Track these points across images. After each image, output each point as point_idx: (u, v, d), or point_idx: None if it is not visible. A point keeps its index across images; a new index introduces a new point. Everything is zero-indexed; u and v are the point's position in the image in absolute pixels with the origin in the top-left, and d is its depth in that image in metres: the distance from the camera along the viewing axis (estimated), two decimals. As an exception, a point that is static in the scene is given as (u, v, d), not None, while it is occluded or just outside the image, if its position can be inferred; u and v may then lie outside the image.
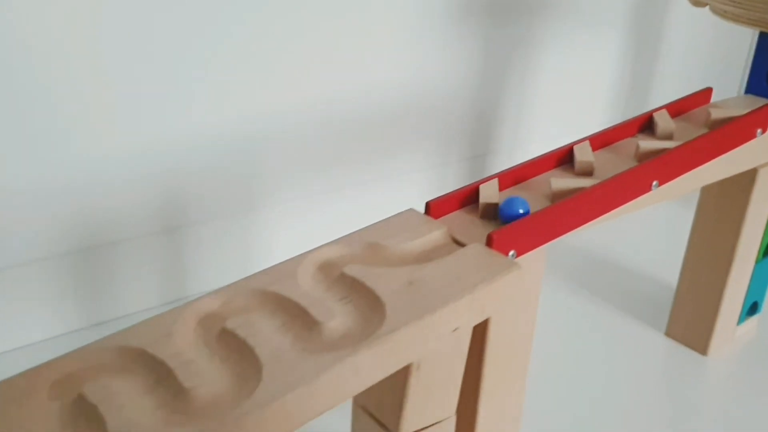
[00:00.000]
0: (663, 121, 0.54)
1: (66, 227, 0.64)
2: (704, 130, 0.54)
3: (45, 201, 0.62)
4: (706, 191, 0.61)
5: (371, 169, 0.80)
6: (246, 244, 0.74)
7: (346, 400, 0.35)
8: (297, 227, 0.76)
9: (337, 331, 0.36)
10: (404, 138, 0.81)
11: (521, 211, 0.43)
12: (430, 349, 0.38)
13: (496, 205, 0.45)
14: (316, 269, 0.40)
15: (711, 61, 1.04)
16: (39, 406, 0.31)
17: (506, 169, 0.48)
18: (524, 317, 0.45)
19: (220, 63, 0.66)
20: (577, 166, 0.49)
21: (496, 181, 0.47)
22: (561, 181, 0.46)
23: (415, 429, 0.41)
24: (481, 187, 0.46)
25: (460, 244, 0.43)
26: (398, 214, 0.45)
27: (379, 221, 0.44)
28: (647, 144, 0.50)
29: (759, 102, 0.57)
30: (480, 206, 0.45)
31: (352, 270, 0.39)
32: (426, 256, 0.42)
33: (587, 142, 0.51)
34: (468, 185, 0.46)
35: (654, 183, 0.48)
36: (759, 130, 0.54)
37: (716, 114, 0.54)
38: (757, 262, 0.64)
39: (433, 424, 0.42)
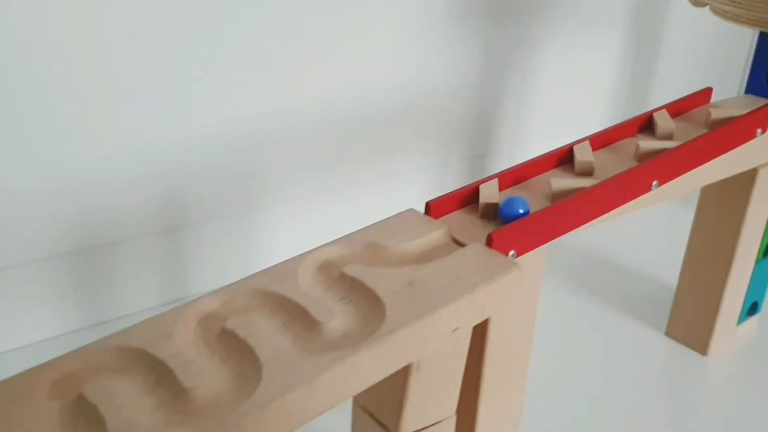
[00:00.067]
0: (663, 121, 0.54)
1: (66, 227, 0.64)
2: (704, 130, 0.54)
3: (45, 201, 0.62)
4: (706, 191, 0.61)
5: (371, 169, 0.80)
6: (246, 244, 0.74)
7: (347, 400, 0.35)
8: (297, 227, 0.76)
9: (337, 331, 0.36)
10: (404, 138, 0.81)
11: (521, 211, 0.43)
12: (430, 349, 0.38)
13: (496, 205, 0.45)
14: (316, 269, 0.40)
15: (711, 61, 1.04)
16: (39, 406, 0.31)
17: (506, 169, 0.48)
18: (524, 317, 0.45)
19: (221, 63, 0.66)
20: (577, 166, 0.49)
21: (496, 181, 0.47)
22: (561, 181, 0.46)
23: (415, 429, 0.41)
24: (481, 187, 0.46)
25: (460, 244, 0.43)
26: (398, 214, 0.45)
27: (379, 221, 0.44)
28: (647, 144, 0.50)
29: (759, 102, 0.57)
30: (480, 206, 0.45)
31: (352, 270, 0.39)
32: (426, 256, 0.42)
33: (587, 142, 0.51)
34: (468, 185, 0.46)
35: (654, 183, 0.48)
36: (759, 130, 0.54)
37: (716, 114, 0.54)
38: (757, 262, 0.64)
39: (433, 424, 0.42)
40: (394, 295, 0.37)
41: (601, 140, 0.52)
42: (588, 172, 0.49)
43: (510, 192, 0.47)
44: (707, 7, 0.59)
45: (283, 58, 0.69)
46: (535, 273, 0.44)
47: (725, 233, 0.61)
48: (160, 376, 0.33)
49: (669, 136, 0.53)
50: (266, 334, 0.35)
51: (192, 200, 0.70)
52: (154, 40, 0.62)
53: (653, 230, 0.87)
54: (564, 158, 0.50)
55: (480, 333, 0.43)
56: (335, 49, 0.72)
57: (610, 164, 0.50)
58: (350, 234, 0.43)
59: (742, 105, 0.57)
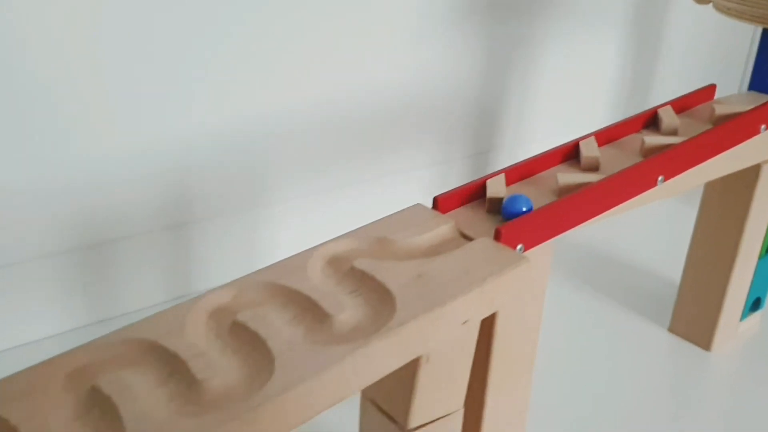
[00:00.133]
0: (668, 117, 0.54)
1: (72, 224, 0.64)
2: (709, 126, 0.54)
3: (51, 199, 0.62)
4: (710, 187, 0.62)
5: (374, 167, 0.80)
6: (250, 240, 0.74)
7: (358, 391, 0.35)
8: (301, 224, 0.76)
9: (348, 323, 0.36)
10: (407, 136, 0.81)
11: (524, 208, 0.43)
12: (440, 341, 0.38)
13: (502, 200, 0.45)
14: (326, 263, 0.40)
15: (711, 59, 1.04)
16: (54, 397, 0.31)
17: (513, 165, 0.48)
18: (531, 311, 0.45)
19: (224, 61, 0.66)
20: (583, 161, 0.49)
21: (503, 176, 0.47)
22: (568, 176, 0.47)
23: (423, 422, 0.42)
24: (488, 182, 0.46)
25: (468, 239, 0.43)
26: (406, 208, 0.45)
27: (387, 216, 0.44)
28: (652, 140, 0.50)
29: (762, 98, 0.58)
30: (487, 201, 0.45)
31: (362, 264, 0.39)
32: (434, 250, 0.42)
33: (593, 138, 0.51)
34: (475, 180, 0.46)
35: (659, 178, 0.48)
36: (763, 126, 0.54)
37: (720, 110, 0.54)
38: (760, 258, 0.64)
39: (441, 417, 0.42)
40: (404, 288, 0.38)
41: (606, 136, 0.52)
42: (594, 168, 0.49)
43: (517, 187, 0.48)
44: (710, 5, 0.59)
45: (286, 56, 0.69)
46: (543, 267, 0.45)
47: (728, 229, 0.61)
48: (173, 368, 0.33)
49: (674, 132, 0.53)
50: (278, 327, 0.35)
51: (197, 197, 0.70)
52: (157, 39, 0.62)
53: (656, 227, 0.87)
54: (570, 154, 0.51)
55: (487, 326, 0.43)
56: (338, 47, 0.72)
57: (615, 160, 0.50)
58: (359, 228, 0.43)
59: (746, 101, 0.57)
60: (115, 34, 0.60)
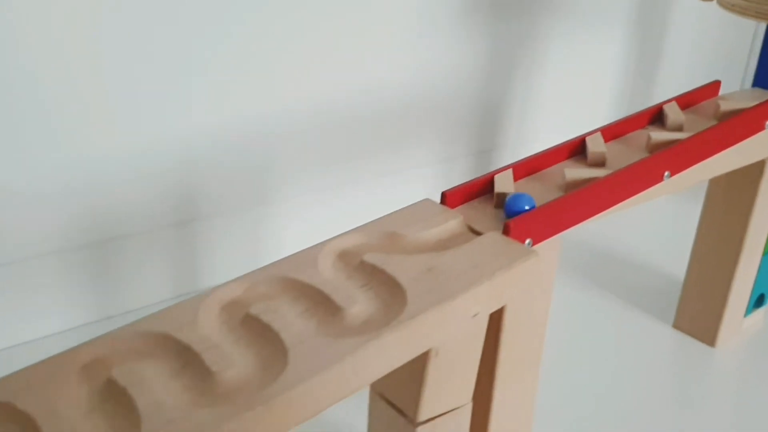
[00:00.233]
0: (673, 113, 0.54)
1: (79, 222, 0.64)
2: (714, 122, 0.54)
3: (59, 197, 0.62)
4: (714, 183, 0.62)
5: (378, 164, 0.80)
6: (255, 238, 0.75)
7: (370, 383, 0.35)
8: (305, 222, 0.76)
9: (359, 316, 0.36)
10: (410, 134, 0.81)
11: (527, 207, 0.43)
12: (450, 334, 0.39)
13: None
14: (336, 257, 0.41)
15: (714, 56, 1.04)
16: (69, 389, 0.31)
17: (520, 160, 0.48)
18: (539, 305, 0.45)
19: (227, 60, 0.66)
20: (589, 156, 0.49)
21: (510, 171, 0.47)
22: (575, 171, 0.47)
23: (432, 415, 0.42)
24: (496, 177, 0.47)
25: (476, 233, 0.43)
26: (414, 203, 0.45)
27: (396, 211, 0.45)
28: (658, 135, 0.51)
29: (767, 95, 0.58)
30: (495, 196, 0.46)
31: (372, 258, 0.40)
32: (443, 245, 0.42)
33: (599, 134, 0.51)
34: (483, 175, 0.47)
35: (666, 173, 0.49)
36: (767, 123, 0.55)
37: (725, 106, 0.55)
38: (765, 254, 0.64)
39: (450, 411, 0.42)
40: (415, 282, 0.38)
41: (612, 132, 0.53)
42: (600, 163, 0.49)
43: (524, 182, 0.48)
44: (713, 1, 0.59)
45: (288, 55, 0.69)
46: (550, 261, 0.45)
47: (733, 225, 0.62)
48: (187, 360, 0.33)
49: (679, 128, 0.53)
50: (290, 319, 0.35)
51: (201, 195, 0.70)
52: (158, 39, 0.62)
53: (660, 224, 0.88)
54: (576, 149, 0.51)
55: (496, 320, 0.43)
56: (340, 45, 0.72)
57: (622, 155, 0.50)
58: (368, 223, 0.43)
59: (751, 98, 0.57)
60: (115, 35, 0.60)
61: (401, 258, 0.40)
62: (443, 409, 0.42)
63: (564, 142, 0.50)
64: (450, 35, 0.79)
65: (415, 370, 0.40)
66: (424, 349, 0.38)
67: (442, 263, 0.40)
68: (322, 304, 0.37)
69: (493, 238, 0.42)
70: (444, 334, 0.38)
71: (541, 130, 0.92)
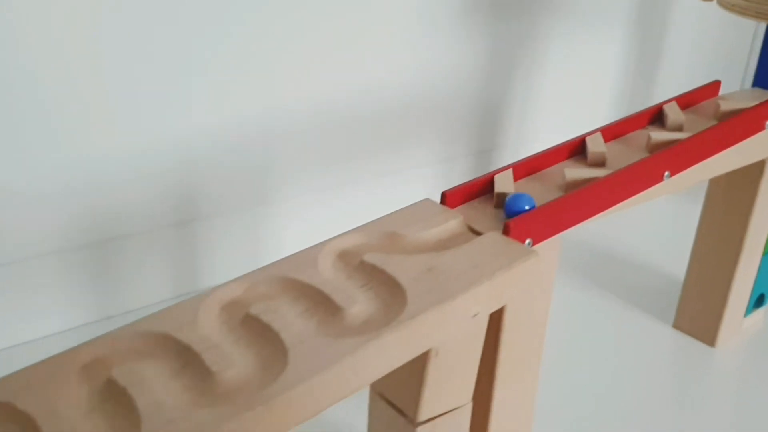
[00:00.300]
0: (673, 113, 0.54)
1: (79, 222, 0.64)
2: (714, 122, 0.54)
3: (59, 197, 0.62)
4: (714, 183, 0.62)
5: (378, 164, 0.80)
6: (255, 238, 0.75)
7: (370, 383, 0.35)
8: (305, 222, 0.76)
9: (360, 316, 0.36)
10: (410, 134, 0.81)
11: (527, 207, 0.43)
12: (450, 334, 0.39)
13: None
14: (336, 257, 0.41)
15: (714, 56, 1.04)
16: (69, 389, 0.31)
17: (520, 160, 0.48)
18: (539, 305, 0.45)
19: (227, 60, 0.66)
20: (589, 156, 0.49)
21: (510, 171, 0.47)
22: (575, 171, 0.47)
23: (432, 415, 0.42)
24: (496, 177, 0.47)
25: (476, 233, 0.43)
26: (414, 204, 0.45)
27: (396, 211, 0.45)
28: (658, 135, 0.51)
29: (767, 95, 0.58)
30: (495, 196, 0.46)
31: (372, 258, 0.40)
32: (443, 245, 0.42)
33: (599, 134, 0.51)
34: (483, 176, 0.47)
35: (666, 173, 0.49)
36: (767, 123, 0.55)
37: (725, 106, 0.55)
38: (765, 254, 0.64)
39: (450, 411, 0.42)
40: (414, 282, 0.38)
41: (612, 132, 0.53)
42: (600, 163, 0.49)
43: (524, 182, 0.48)
44: (713, 1, 0.59)
45: (289, 54, 0.69)
46: (550, 261, 0.45)
47: (733, 225, 0.62)
48: (187, 360, 0.33)
49: (679, 128, 0.53)
50: (290, 319, 0.35)
51: (203, 194, 0.70)
52: (159, 39, 0.62)
53: (659, 224, 0.88)
54: (576, 149, 0.51)
55: (496, 320, 0.43)
56: (340, 45, 0.72)
57: (622, 155, 0.50)
58: (368, 223, 0.43)
59: (751, 98, 0.57)
60: (115, 35, 0.60)
61: (401, 258, 0.40)
62: (443, 409, 0.42)
63: (564, 142, 0.50)
64: (450, 35, 0.79)
65: (415, 370, 0.40)
66: (425, 349, 0.38)
67: (442, 263, 0.40)
68: (322, 304, 0.37)
69: (493, 238, 0.42)
70: (444, 334, 0.38)
71: (541, 130, 0.92)
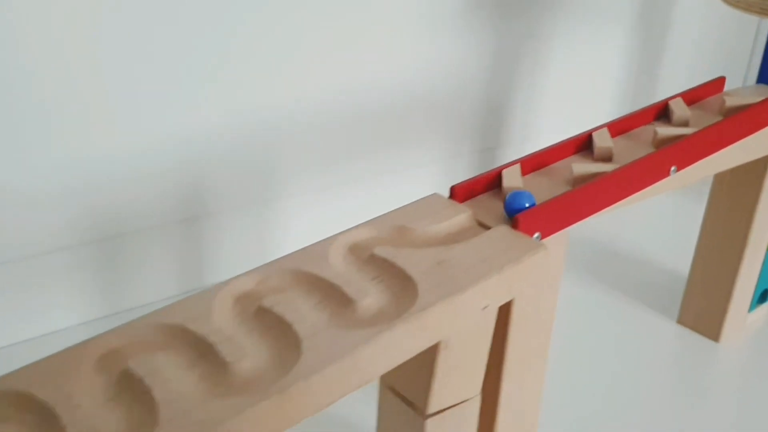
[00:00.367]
0: (679, 108, 0.55)
1: (88, 219, 0.65)
2: (719, 118, 0.55)
3: (70, 194, 0.63)
4: (719, 179, 0.62)
5: (383, 162, 0.80)
6: (261, 234, 0.75)
7: (382, 374, 0.36)
8: (312, 218, 0.77)
9: (371, 309, 0.37)
10: (415, 131, 0.82)
11: (527, 204, 0.44)
12: (460, 327, 0.39)
13: (518, 190, 0.46)
14: (347, 251, 0.41)
15: (717, 53, 1.05)
16: (86, 379, 0.32)
17: (528, 155, 0.49)
18: (547, 298, 0.46)
19: (234, 57, 0.66)
20: (596, 151, 0.50)
21: (518, 166, 0.48)
22: (582, 166, 0.47)
23: (442, 407, 0.42)
24: (504, 172, 0.47)
25: (485, 227, 0.43)
26: (423, 198, 0.46)
27: (405, 205, 0.45)
28: (665, 131, 0.51)
29: (772, 91, 0.58)
30: (503, 190, 0.46)
31: (383, 251, 0.40)
32: (452, 239, 0.42)
33: (606, 129, 0.52)
34: (490, 170, 0.47)
35: (672, 168, 0.49)
36: (772, 118, 0.55)
37: (731, 102, 0.55)
38: (769, 249, 0.65)
39: (459, 403, 0.43)
40: (425, 275, 0.38)
41: (618, 127, 0.53)
42: (607, 158, 0.50)
43: (532, 177, 0.48)
44: (719, -2, 0.60)
45: (295, 52, 0.70)
46: (558, 255, 0.45)
47: (737, 221, 0.62)
48: (202, 351, 0.34)
49: (685, 123, 0.54)
50: (303, 311, 0.36)
51: (208, 192, 0.70)
52: (164, 38, 0.62)
53: (663, 221, 0.88)
54: (583, 145, 0.51)
55: (504, 314, 0.44)
56: (347, 42, 0.72)
57: (628, 150, 0.51)
58: (378, 217, 0.43)
59: (756, 94, 0.58)
60: (117, 35, 0.60)
61: (411, 251, 0.40)
62: (452, 402, 0.43)
63: (571, 138, 0.51)
64: (453, 34, 0.79)
65: (425, 362, 0.40)
66: (435, 341, 0.38)
67: (452, 257, 0.40)
68: (334, 297, 0.37)
69: (501, 232, 0.42)
70: (454, 327, 0.38)
71: (544, 128, 0.93)
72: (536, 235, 0.43)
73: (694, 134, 0.50)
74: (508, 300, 0.41)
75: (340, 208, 0.78)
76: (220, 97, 0.67)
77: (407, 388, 0.43)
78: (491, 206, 0.46)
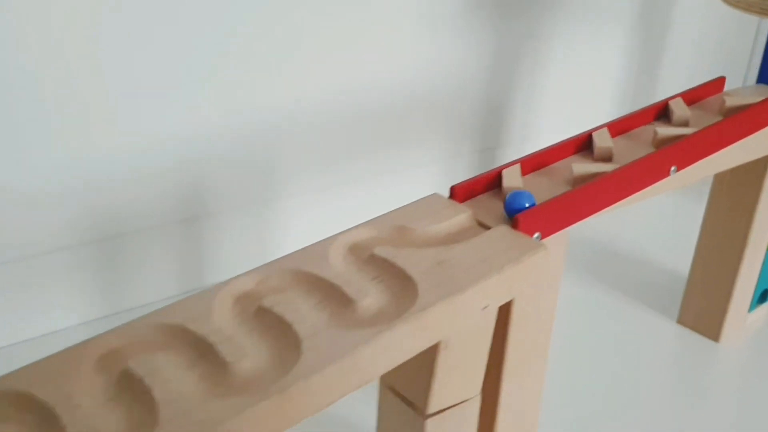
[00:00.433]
0: (679, 108, 0.55)
1: (88, 219, 0.65)
2: (719, 118, 0.55)
3: (70, 194, 0.63)
4: (719, 180, 0.62)
5: (383, 162, 0.80)
6: (261, 234, 0.75)
7: (382, 373, 0.36)
8: (312, 218, 0.77)
9: (371, 309, 0.37)
10: (415, 131, 0.82)
11: (527, 204, 0.44)
12: (460, 327, 0.39)
13: (518, 190, 0.46)
14: (347, 251, 0.41)
15: (716, 53, 1.05)
16: (86, 379, 0.32)
17: (528, 155, 0.49)
18: (547, 298, 0.46)
19: (235, 57, 0.66)
20: (596, 151, 0.50)
21: (518, 166, 0.48)
22: (582, 166, 0.47)
23: (442, 407, 0.42)
24: (504, 172, 0.47)
25: (485, 227, 0.43)
26: (423, 198, 0.46)
27: (405, 205, 0.45)
28: (665, 130, 0.51)
29: (772, 91, 0.58)
30: (503, 190, 0.46)
31: (383, 251, 0.40)
32: (452, 239, 0.42)
33: (606, 129, 0.52)
34: (490, 170, 0.47)
35: (672, 168, 0.49)
36: (772, 118, 0.55)
37: (731, 102, 0.55)
38: (769, 249, 0.65)
39: (459, 403, 0.43)
40: (425, 275, 0.38)
41: (618, 127, 0.53)
42: (607, 158, 0.50)
43: (532, 177, 0.48)
44: (719, -2, 0.60)
45: (295, 52, 0.70)
46: (558, 255, 0.45)
47: (737, 221, 0.62)
48: (202, 351, 0.34)
49: (685, 123, 0.54)
50: (303, 311, 0.36)
51: (208, 192, 0.70)
52: (166, 37, 0.62)
53: (663, 221, 0.88)
54: (583, 145, 0.51)
55: (504, 314, 0.44)
56: (347, 42, 0.72)
57: (628, 150, 0.51)
58: (377, 217, 0.43)
59: (756, 94, 0.58)
60: (118, 35, 0.61)
61: (411, 251, 0.40)
62: (452, 402, 0.43)
63: (571, 138, 0.51)
64: (453, 34, 0.79)
65: (426, 362, 0.40)
66: (435, 341, 0.38)
67: (452, 257, 0.40)
68: (334, 297, 0.37)
69: (501, 232, 0.42)
70: (454, 327, 0.38)
71: (544, 128, 0.93)
72: (536, 235, 0.43)
73: (694, 134, 0.50)
74: (508, 300, 0.41)
75: (340, 208, 0.78)
76: (220, 97, 0.67)
77: (407, 388, 0.43)
78: (491, 206, 0.46)
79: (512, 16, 0.83)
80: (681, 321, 0.70)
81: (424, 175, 0.84)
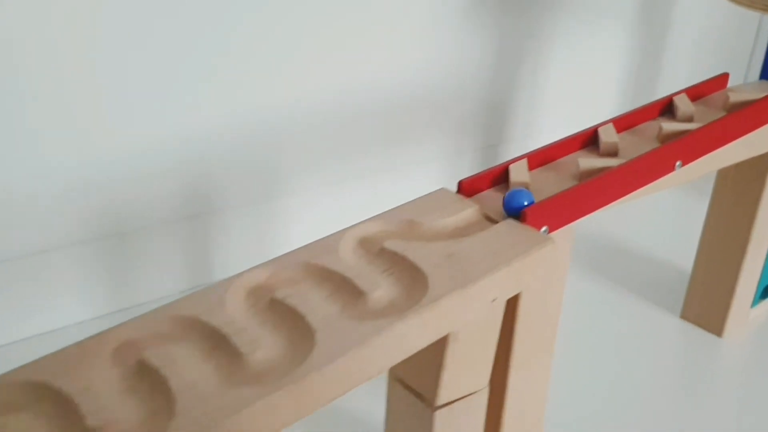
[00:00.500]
0: (683, 104, 0.55)
1: (96, 216, 0.65)
2: (723, 113, 0.55)
3: (79, 191, 0.63)
4: (722, 175, 0.63)
5: (387, 159, 0.81)
6: (267, 231, 0.75)
7: (393, 364, 0.36)
8: (316, 214, 0.77)
9: (382, 301, 0.37)
10: (419, 128, 0.82)
11: (526, 203, 0.44)
12: (469, 319, 0.39)
13: (525, 184, 0.46)
14: (357, 244, 0.41)
15: (717, 50, 1.05)
16: (103, 370, 0.32)
17: (534, 150, 0.49)
18: (554, 292, 0.46)
19: (238, 55, 0.67)
20: (602, 147, 0.50)
21: (525, 161, 0.48)
22: (588, 160, 0.48)
23: (450, 399, 0.43)
24: (511, 167, 0.47)
25: (492, 221, 0.44)
26: (431, 193, 0.46)
27: (414, 200, 0.45)
28: (669, 126, 0.51)
29: (775, 87, 0.59)
30: (510, 185, 0.46)
31: (393, 244, 0.41)
32: (460, 233, 0.43)
33: (611, 124, 0.52)
34: (498, 165, 0.47)
35: (677, 163, 0.49)
36: (776, 113, 0.56)
37: (735, 98, 0.55)
38: (772, 244, 0.65)
39: (467, 395, 0.43)
40: (435, 268, 0.39)
41: (623, 123, 0.54)
42: (613, 153, 0.50)
43: (538, 172, 0.49)
44: (722, -5, 0.60)
45: (299, 50, 0.70)
46: (565, 249, 0.46)
47: (741, 216, 0.62)
48: (216, 342, 0.34)
49: (689, 119, 0.54)
50: (315, 303, 0.36)
51: (214, 189, 0.71)
52: (168, 35, 0.63)
53: (667, 216, 0.89)
54: (589, 140, 0.52)
55: (511, 307, 0.44)
56: (350, 39, 0.73)
57: (634, 145, 0.51)
58: (386, 211, 0.44)
59: (759, 90, 0.58)
60: (119, 35, 0.61)
61: (421, 245, 0.41)
62: (461, 393, 0.43)
63: (576, 133, 0.51)
64: (456, 31, 0.79)
65: (435, 354, 0.41)
66: (445, 332, 0.39)
67: (461, 250, 0.40)
68: (345, 289, 0.37)
69: (509, 226, 0.42)
70: (464, 319, 0.39)
71: (546, 125, 0.93)
72: (544, 229, 0.43)
73: (699, 130, 0.50)
74: (516, 293, 0.42)
75: (343, 206, 0.79)
76: (222, 96, 0.67)
77: (416, 380, 0.43)
78: (498, 201, 0.46)
79: (514, 14, 0.83)
80: (684, 316, 0.70)
81: (428, 172, 0.85)
